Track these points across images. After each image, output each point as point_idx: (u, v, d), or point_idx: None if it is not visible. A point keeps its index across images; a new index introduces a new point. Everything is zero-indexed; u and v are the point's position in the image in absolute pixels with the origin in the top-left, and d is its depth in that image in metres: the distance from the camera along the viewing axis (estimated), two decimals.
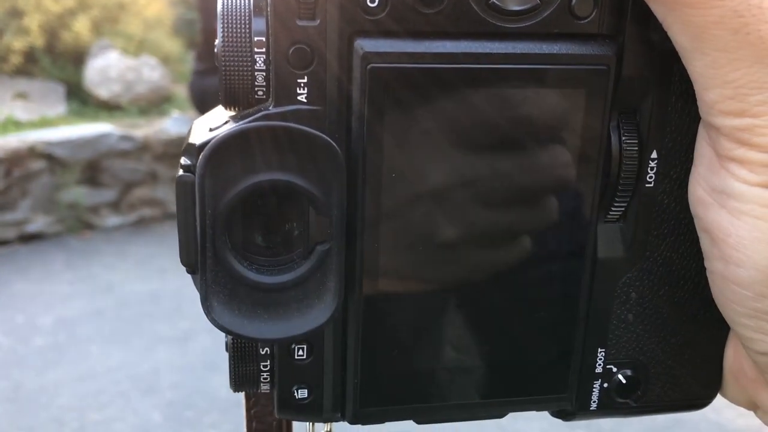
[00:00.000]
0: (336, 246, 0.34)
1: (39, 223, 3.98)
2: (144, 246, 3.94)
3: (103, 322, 3.19)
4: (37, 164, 3.94)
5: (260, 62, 0.33)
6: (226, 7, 0.33)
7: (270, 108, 0.33)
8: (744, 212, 0.32)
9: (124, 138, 4.15)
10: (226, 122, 0.33)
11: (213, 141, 0.32)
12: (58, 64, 4.99)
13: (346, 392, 0.38)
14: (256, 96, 0.33)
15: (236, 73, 0.33)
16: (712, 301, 0.36)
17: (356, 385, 0.37)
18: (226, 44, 0.32)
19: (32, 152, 3.91)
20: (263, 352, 0.37)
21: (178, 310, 3.22)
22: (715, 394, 0.42)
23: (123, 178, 4.18)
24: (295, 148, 0.33)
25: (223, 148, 0.32)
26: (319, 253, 0.34)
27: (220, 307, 0.33)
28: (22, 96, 4.80)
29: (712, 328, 0.40)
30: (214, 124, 0.34)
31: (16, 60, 4.82)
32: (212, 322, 0.33)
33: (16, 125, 4.35)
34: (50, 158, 3.97)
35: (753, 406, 0.40)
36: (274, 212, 0.35)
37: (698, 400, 0.42)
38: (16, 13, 4.89)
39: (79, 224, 4.09)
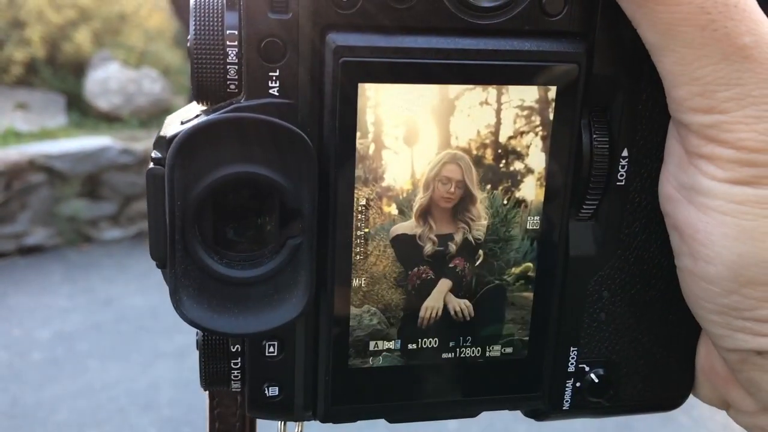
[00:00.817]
0: (307, 240, 0.34)
1: (38, 235, 3.97)
2: (143, 259, 3.93)
3: (102, 337, 3.18)
4: (37, 177, 3.94)
5: (232, 55, 0.32)
6: (198, 1, 0.33)
7: (242, 101, 0.33)
8: (712, 208, 0.32)
9: (125, 152, 4.15)
10: (198, 115, 0.33)
11: (182, 133, 0.31)
12: (59, 75, 5.01)
13: (318, 390, 0.38)
14: (228, 90, 0.33)
15: (208, 66, 0.33)
16: (683, 299, 0.36)
17: (327, 382, 0.37)
18: (198, 38, 0.32)
19: (32, 165, 3.91)
20: (234, 350, 0.37)
21: (178, 324, 3.17)
22: (688, 394, 0.42)
23: (122, 192, 4.18)
24: (267, 141, 0.32)
25: (193, 140, 0.31)
26: (291, 248, 0.34)
27: (189, 301, 0.33)
28: (22, 106, 4.81)
29: (684, 328, 0.40)
30: (185, 117, 0.34)
31: (17, 71, 4.83)
32: (181, 316, 0.33)
33: (17, 136, 4.35)
34: (50, 171, 3.97)
35: (725, 405, 0.40)
36: (246, 206, 0.34)
37: (672, 400, 0.42)
38: (18, 24, 4.91)
39: (78, 237, 4.08)
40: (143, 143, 4.30)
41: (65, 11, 4.98)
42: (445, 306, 0.37)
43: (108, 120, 4.81)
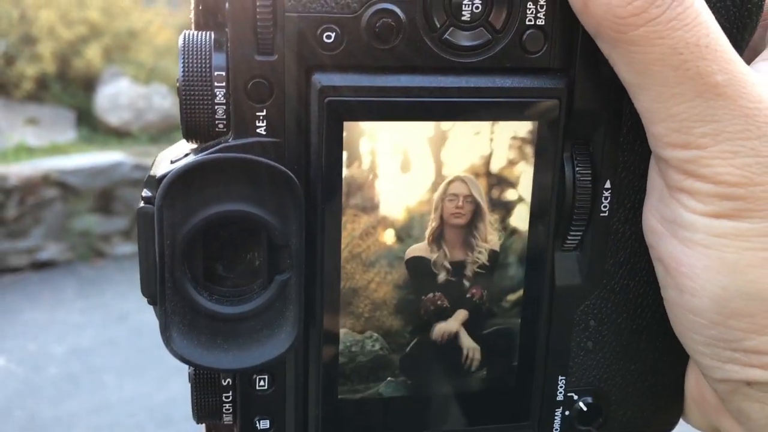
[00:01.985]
0: (295, 276, 0.34)
1: (51, 250, 3.98)
2: None
3: (117, 352, 3.19)
4: (51, 192, 3.95)
5: (220, 96, 0.33)
6: (187, 42, 0.33)
7: (230, 140, 0.33)
8: (695, 242, 0.33)
9: (137, 167, 4.17)
10: (187, 154, 0.34)
11: (171, 173, 0.32)
12: (69, 90, 5.03)
13: (308, 423, 0.38)
14: (216, 129, 0.33)
15: (197, 106, 0.33)
16: (671, 327, 0.37)
17: (318, 416, 0.38)
18: (187, 78, 0.33)
19: (46, 180, 3.93)
20: (225, 383, 0.37)
21: None
22: (677, 421, 0.42)
23: (135, 207, 4.18)
24: (254, 179, 0.33)
25: (181, 180, 0.32)
26: (279, 283, 0.34)
27: (179, 337, 0.34)
28: (33, 122, 4.83)
29: (672, 355, 0.40)
30: (175, 156, 0.34)
31: (28, 86, 4.86)
32: (171, 353, 0.33)
33: (28, 151, 4.37)
34: (63, 186, 3.98)
35: (715, 431, 0.40)
36: (234, 243, 0.35)
37: (660, 427, 0.42)
38: (30, 40, 4.94)
39: (91, 252, 4.09)
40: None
41: (76, 27, 5.01)
42: (457, 344, 0.38)
43: (118, 135, 4.84)
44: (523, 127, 0.35)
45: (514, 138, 0.35)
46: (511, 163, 0.36)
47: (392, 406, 0.38)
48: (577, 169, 0.37)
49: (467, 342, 0.38)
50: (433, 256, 0.37)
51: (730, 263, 0.32)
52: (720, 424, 0.39)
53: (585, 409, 0.41)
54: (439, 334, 0.38)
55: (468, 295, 0.38)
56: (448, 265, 0.37)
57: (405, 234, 0.36)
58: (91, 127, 4.94)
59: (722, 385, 0.35)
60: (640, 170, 0.37)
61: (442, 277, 0.37)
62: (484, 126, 0.35)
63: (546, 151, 0.36)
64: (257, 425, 0.38)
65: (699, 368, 0.37)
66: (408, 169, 0.35)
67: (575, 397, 0.41)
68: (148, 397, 2.86)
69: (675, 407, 0.42)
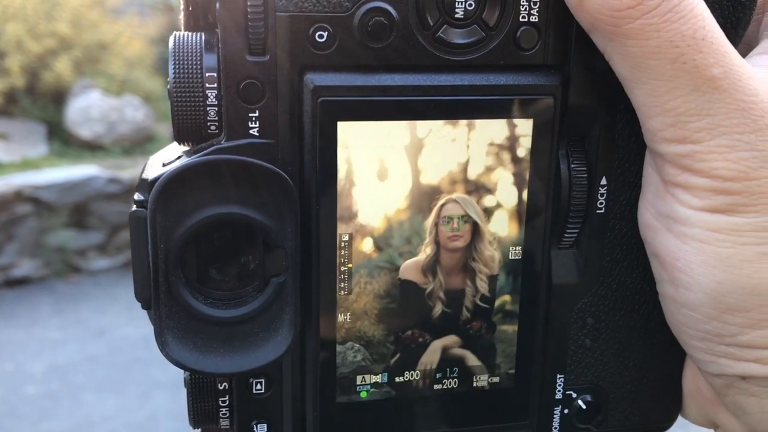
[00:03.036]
0: (291, 278, 0.34)
1: (25, 267, 3.92)
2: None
3: (96, 369, 3.14)
4: (24, 208, 3.89)
5: (212, 97, 0.33)
6: (177, 43, 0.33)
7: (222, 142, 0.33)
8: (690, 236, 0.33)
9: (111, 181, 4.13)
10: (179, 157, 0.33)
11: (164, 176, 0.32)
12: (39, 104, 4.96)
13: (306, 426, 0.38)
14: (208, 131, 0.33)
15: (188, 108, 0.33)
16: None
17: (316, 418, 0.37)
18: (178, 80, 0.32)
19: (18, 196, 3.87)
20: (221, 387, 0.37)
21: None
22: (676, 416, 0.43)
23: (110, 221, 4.15)
24: (248, 181, 0.33)
25: (174, 183, 0.32)
26: (274, 286, 0.34)
27: (174, 342, 0.33)
28: (2, 137, 4.76)
29: (670, 351, 0.40)
30: (167, 159, 0.34)
31: None
32: (167, 357, 0.33)
33: None
34: (36, 202, 3.93)
35: (713, 425, 0.40)
36: (229, 246, 0.35)
37: (659, 423, 0.42)
38: None
39: (66, 268, 4.04)
40: (129, 171, 4.27)
41: (45, 40, 4.94)
42: (442, 351, 0.38)
43: (91, 148, 4.78)
44: (517, 126, 0.35)
45: (506, 137, 0.35)
46: (502, 162, 0.36)
47: (390, 408, 0.38)
48: (573, 166, 0.37)
49: (460, 352, 0.38)
50: (428, 287, 0.36)
51: (725, 258, 0.32)
52: (717, 419, 0.39)
53: (584, 407, 0.41)
54: (421, 364, 0.38)
55: (467, 327, 0.37)
56: (443, 296, 0.37)
57: (383, 243, 0.35)
58: (63, 140, 4.87)
59: (718, 379, 0.36)
60: (636, 165, 0.37)
61: (437, 310, 0.37)
62: (473, 126, 0.35)
63: (541, 149, 0.36)
64: (254, 429, 0.38)
65: (694, 363, 0.37)
66: (396, 173, 0.35)
67: (574, 395, 0.41)
68: (129, 414, 2.82)
69: (673, 403, 0.42)
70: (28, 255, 3.94)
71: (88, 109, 4.85)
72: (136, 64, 5.41)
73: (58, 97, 4.99)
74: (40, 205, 3.94)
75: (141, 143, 4.89)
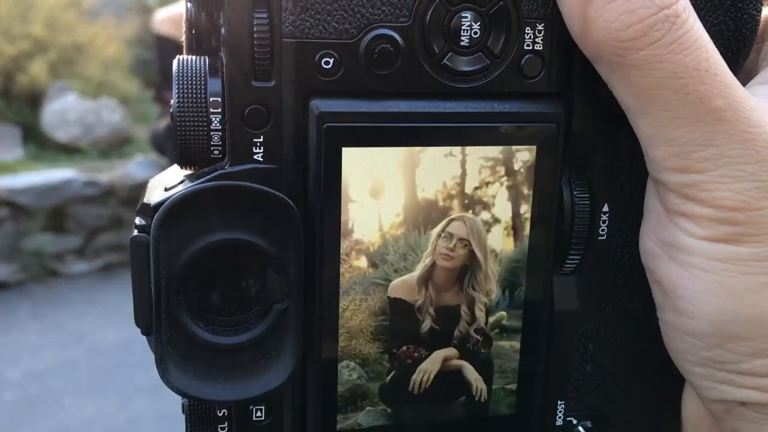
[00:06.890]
0: (293, 305, 0.34)
1: (2, 272, 3.88)
2: (112, 293, 3.87)
3: (76, 373, 3.11)
4: (0, 212, 3.86)
5: (216, 122, 0.33)
6: (181, 67, 0.33)
7: (226, 167, 0.33)
8: (693, 265, 0.33)
9: (89, 183, 4.10)
10: (182, 181, 0.33)
11: (167, 202, 0.31)
12: (14, 107, 4.91)
13: None
14: (211, 155, 0.33)
15: (192, 132, 0.33)
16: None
17: None
18: (182, 104, 0.32)
19: None
20: (221, 414, 0.36)
21: (153, 358, 3.17)
22: None
23: (88, 224, 4.12)
24: (252, 207, 0.32)
25: (178, 209, 0.32)
26: (276, 312, 0.34)
27: (175, 369, 0.33)
28: None
29: (670, 378, 0.40)
30: (169, 183, 0.34)
31: None
32: (167, 385, 0.33)
33: None
34: (13, 206, 3.89)
35: None
36: (231, 272, 0.34)
37: None
38: None
39: (44, 272, 4.00)
40: (107, 174, 4.25)
41: (19, 43, 4.89)
42: (440, 365, 0.37)
43: (67, 151, 4.74)
44: (521, 153, 0.35)
45: (509, 164, 0.35)
46: (505, 189, 0.36)
47: None
48: (575, 193, 0.37)
49: (455, 367, 0.38)
50: (418, 301, 0.36)
51: (728, 287, 0.32)
52: None
53: None
54: (421, 372, 0.37)
55: (461, 342, 0.37)
56: (432, 312, 0.36)
57: (379, 260, 0.35)
58: (39, 144, 4.82)
59: (717, 405, 0.36)
60: (638, 193, 0.37)
61: (425, 325, 0.37)
62: (476, 153, 0.35)
63: (544, 176, 0.36)
64: None
65: (694, 389, 0.37)
66: (401, 197, 0.35)
67: (574, 422, 0.41)
68: (109, 418, 2.80)
69: (672, 429, 0.42)
70: (5, 259, 3.90)
71: (65, 111, 4.81)
72: (112, 66, 5.35)
73: (34, 100, 4.94)
74: (16, 209, 3.91)
75: (118, 146, 4.86)
